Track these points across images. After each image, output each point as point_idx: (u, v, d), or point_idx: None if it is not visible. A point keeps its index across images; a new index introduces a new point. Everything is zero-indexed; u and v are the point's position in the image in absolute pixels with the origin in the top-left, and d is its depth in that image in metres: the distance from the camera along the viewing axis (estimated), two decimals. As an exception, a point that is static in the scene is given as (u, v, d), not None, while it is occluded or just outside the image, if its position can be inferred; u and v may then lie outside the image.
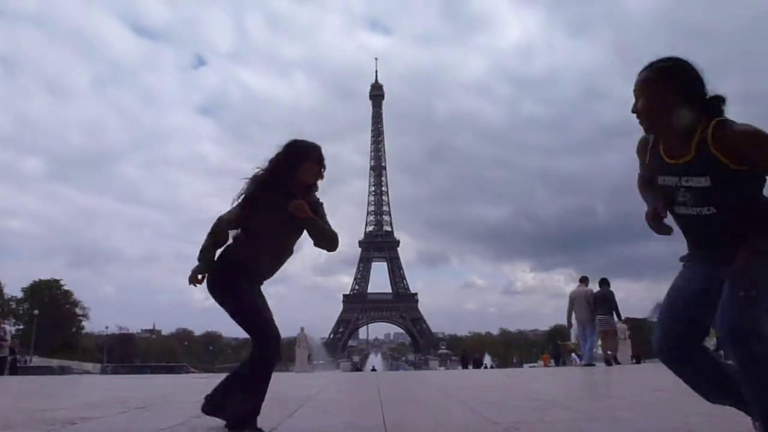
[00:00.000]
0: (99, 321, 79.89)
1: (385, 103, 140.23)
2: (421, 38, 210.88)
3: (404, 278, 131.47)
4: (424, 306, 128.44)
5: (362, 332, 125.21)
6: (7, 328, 19.02)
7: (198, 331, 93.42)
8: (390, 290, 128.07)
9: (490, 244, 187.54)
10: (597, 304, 12.62)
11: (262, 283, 2.95)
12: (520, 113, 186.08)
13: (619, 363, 12.95)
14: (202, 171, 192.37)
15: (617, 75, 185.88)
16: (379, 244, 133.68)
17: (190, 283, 2.85)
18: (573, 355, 13.33)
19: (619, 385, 6.66)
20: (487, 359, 42.34)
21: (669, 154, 1.95)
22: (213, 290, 2.86)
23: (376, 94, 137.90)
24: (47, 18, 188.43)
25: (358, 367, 40.00)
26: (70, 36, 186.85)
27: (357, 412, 4.01)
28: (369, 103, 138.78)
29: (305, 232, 2.89)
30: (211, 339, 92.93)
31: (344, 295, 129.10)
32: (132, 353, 69.13)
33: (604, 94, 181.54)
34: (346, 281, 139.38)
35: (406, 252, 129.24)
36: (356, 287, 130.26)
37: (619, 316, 13.17)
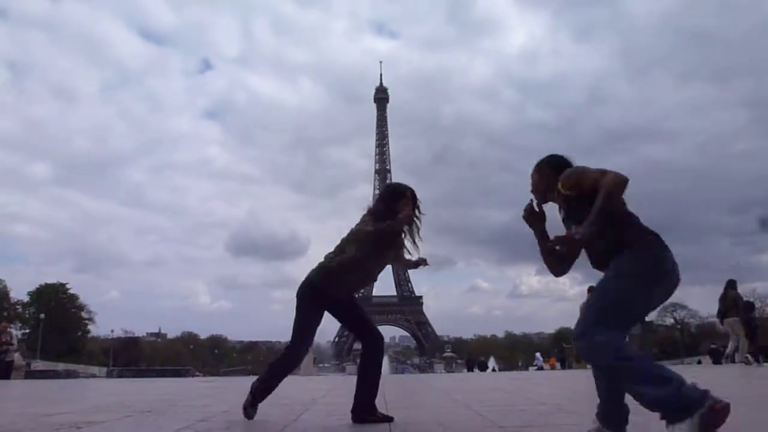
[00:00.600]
0: (105, 325, 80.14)
1: (391, 107, 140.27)
2: (427, 42, 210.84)
3: (409, 281, 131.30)
4: (429, 309, 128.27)
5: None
6: (14, 332, 19.11)
7: (203, 335, 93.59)
8: (395, 293, 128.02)
9: (495, 247, 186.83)
10: None
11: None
12: (525, 117, 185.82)
13: None
14: (208, 175, 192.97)
15: (622, 80, 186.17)
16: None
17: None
18: None
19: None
20: (492, 362, 42.21)
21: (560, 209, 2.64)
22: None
23: (381, 97, 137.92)
24: (55, 23, 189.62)
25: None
26: (78, 41, 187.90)
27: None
28: (374, 106, 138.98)
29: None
30: (217, 342, 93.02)
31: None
32: (137, 357, 69.21)
33: (609, 99, 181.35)
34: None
35: (412, 255, 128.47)
36: (361, 291, 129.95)
37: (642, 322, 13.29)
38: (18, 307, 59.97)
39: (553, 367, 31.13)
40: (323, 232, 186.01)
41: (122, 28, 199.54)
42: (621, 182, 2.31)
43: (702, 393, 2.08)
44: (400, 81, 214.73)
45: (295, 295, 3.56)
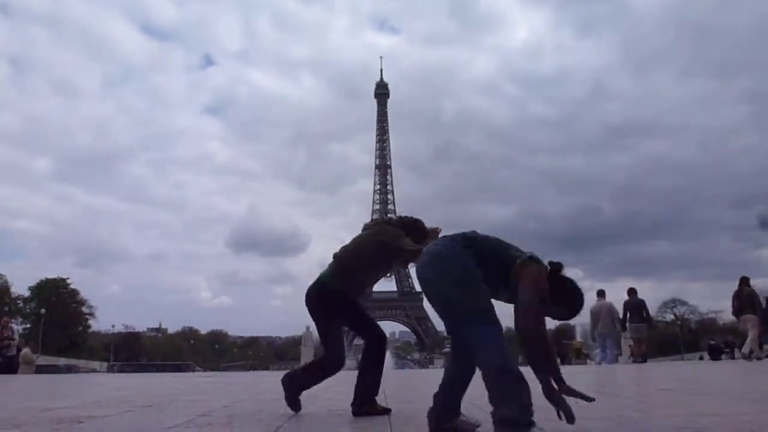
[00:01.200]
0: (105, 320, 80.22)
1: (393, 102, 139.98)
2: (429, 38, 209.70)
3: (409, 277, 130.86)
4: (429, 305, 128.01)
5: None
6: (15, 327, 19.14)
7: (204, 330, 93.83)
8: (395, 289, 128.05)
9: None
10: (630, 313, 12.76)
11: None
12: (527, 113, 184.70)
13: (645, 362, 13.11)
14: (209, 170, 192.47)
15: (624, 75, 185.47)
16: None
17: None
18: (597, 351, 13.52)
19: (626, 385, 6.63)
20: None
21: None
22: None
23: (381, 92, 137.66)
24: (57, 18, 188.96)
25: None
26: (80, 36, 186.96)
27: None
28: (375, 102, 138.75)
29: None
30: (217, 338, 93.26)
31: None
32: (138, 352, 69.39)
33: (611, 94, 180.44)
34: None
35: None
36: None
37: (650, 323, 13.37)
38: (19, 302, 60.08)
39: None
40: (324, 227, 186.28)
41: (124, 24, 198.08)
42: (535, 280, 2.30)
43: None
44: (402, 76, 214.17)
45: (304, 298, 3.64)
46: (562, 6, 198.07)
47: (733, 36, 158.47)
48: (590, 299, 13.01)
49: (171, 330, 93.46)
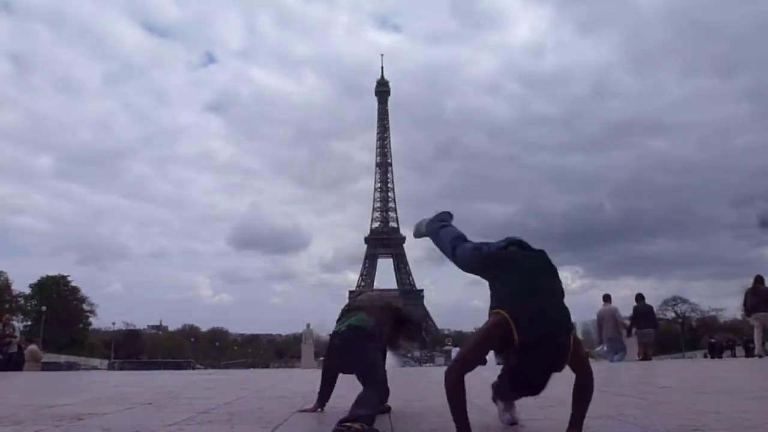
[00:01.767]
0: (106, 317, 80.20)
1: (394, 101, 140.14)
2: (431, 36, 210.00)
3: (410, 275, 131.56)
4: (430, 302, 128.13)
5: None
6: (15, 324, 19.15)
7: (204, 328, 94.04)
8: (396, 287, 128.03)
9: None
10: (639, 319, 12.96)
11: None
12: (528, 111, 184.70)
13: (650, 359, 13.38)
14: (211, 168, 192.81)
15: (626, 73, 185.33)
16: (385, 240, 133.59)
17: None
18: (604, 348, 13.65)
19: (627, 383, 6.64)
20: (492, 355, 42.28)
21: None
22: None
23: (382, 90, 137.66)
24: (59, 16, 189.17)
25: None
26: (82, 34, 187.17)
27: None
28: (375, 99, 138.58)
29: None
30: (218, 335, 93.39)
31: (350, 292, 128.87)
32: (139, 349, 69.52)
33: (612, 92, 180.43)
34: (352, 278, 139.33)
35: (413, 249, 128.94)
36: (362, 284, 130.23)
37: (657, 329, 13.69)
38: (20, 299, 60.19)
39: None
40: (325, 225, 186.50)
41: (125, 21, 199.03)
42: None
43: None
44: (403, 74, 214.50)
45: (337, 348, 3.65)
46: (563, 4, 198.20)
47: (735, 34, 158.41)
48: (594, 302, 13.28)
49: (172, 327, 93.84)
